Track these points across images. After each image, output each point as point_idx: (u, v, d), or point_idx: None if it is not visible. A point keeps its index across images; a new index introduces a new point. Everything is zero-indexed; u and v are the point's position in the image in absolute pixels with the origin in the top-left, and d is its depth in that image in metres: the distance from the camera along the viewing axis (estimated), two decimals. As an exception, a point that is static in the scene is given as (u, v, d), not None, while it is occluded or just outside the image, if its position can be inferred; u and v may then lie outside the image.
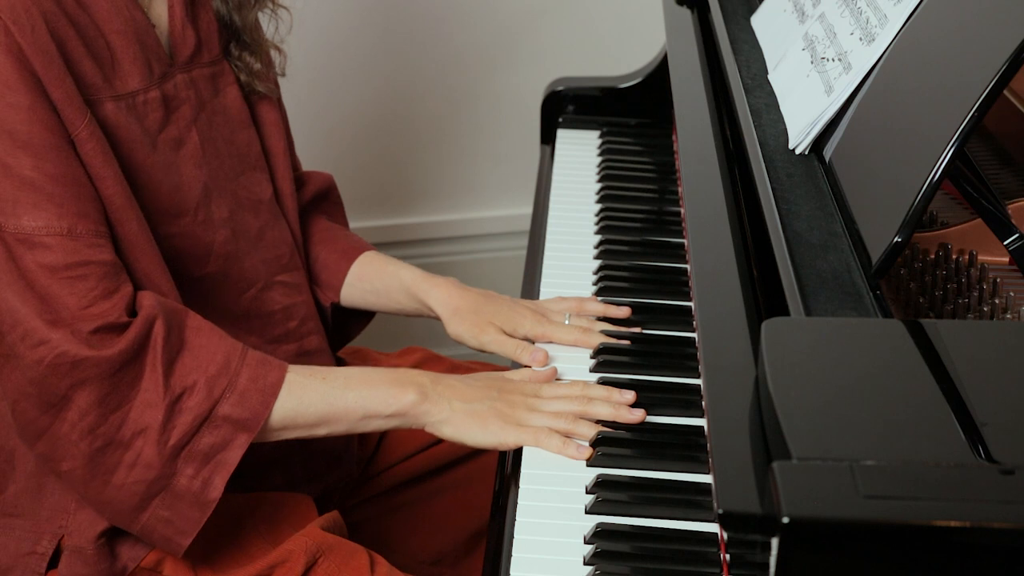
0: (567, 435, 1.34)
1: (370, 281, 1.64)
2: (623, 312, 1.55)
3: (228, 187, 1.48)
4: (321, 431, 1.37)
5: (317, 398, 1.36)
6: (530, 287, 1.70)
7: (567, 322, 1.53)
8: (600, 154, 2.02)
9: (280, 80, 1.63)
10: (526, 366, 1.48)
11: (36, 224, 1.26)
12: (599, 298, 1.58)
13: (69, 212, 1.27)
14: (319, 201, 1.71)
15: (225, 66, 1.50)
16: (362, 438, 1.68)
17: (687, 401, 1.40)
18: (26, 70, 1.25)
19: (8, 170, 1.26)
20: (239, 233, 1.48)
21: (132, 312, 1.30)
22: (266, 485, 1.52)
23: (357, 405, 1.36)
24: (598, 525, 1.24)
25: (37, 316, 1.26)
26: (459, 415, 1.37)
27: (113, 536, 1.41)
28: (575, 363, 1.49)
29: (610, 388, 1.39)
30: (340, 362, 1.69)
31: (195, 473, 1.31)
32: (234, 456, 1.31)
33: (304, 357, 1.56)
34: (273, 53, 1.59)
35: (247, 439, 1.32)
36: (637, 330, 1.53)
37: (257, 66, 1.53)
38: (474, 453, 1.74)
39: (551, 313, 1.56)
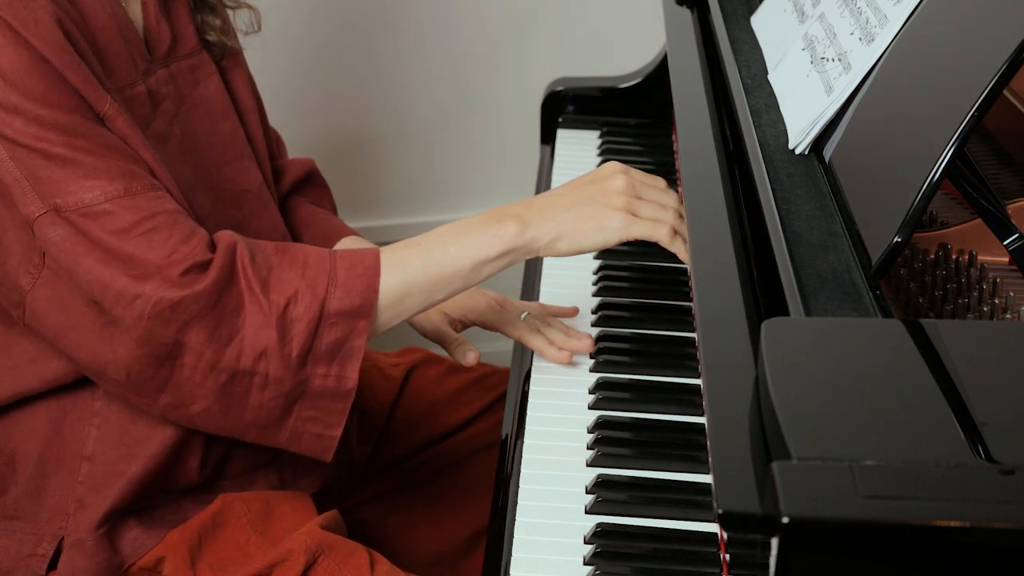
0: (676, 232, 1.36)
1: None
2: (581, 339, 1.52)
3: (209, 180, 1.48)
4: (440, 295, 1.36)
5: (419, 264, 1.34)
6: (530, 287, 1.70)
7: (522, 318, 1.54)
8: (600, 154, 2.02)
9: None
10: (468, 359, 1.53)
11: (92, 195, 1.27)
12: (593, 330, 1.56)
13: (118, 174, 1.28)
14: (300, 186, 1.72)
15: (204, 57, 1.51)
16: (361, 434, 1.68)
17: (687, 401, 1.40)
18: (37, 59, 1.26)
19: (45, 154, 1.26)
20: (220, 227, 1.48)
21: (213, 250, 1.31)
22: (260, 487, 1.51)
23: (463, 256, 1.35)
24: (598, 525, 1.24)
25: (124, 275, 1.26)
26: (568, 225, 1.35)
27: (113, 528, 1.41)
28: (573, 360, 1.50)
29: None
30: None
31: (326, 371, 1.31)
32: (359, 344, 1.31)
33: None
34: (244, 12, 1.60)
35: (366, 325, 1.31)
36: (588, 344, 1.50)
37: (218, 22, 1.54)
38: (474, 453, 1.74)
39: (508, 304, 1.56)
